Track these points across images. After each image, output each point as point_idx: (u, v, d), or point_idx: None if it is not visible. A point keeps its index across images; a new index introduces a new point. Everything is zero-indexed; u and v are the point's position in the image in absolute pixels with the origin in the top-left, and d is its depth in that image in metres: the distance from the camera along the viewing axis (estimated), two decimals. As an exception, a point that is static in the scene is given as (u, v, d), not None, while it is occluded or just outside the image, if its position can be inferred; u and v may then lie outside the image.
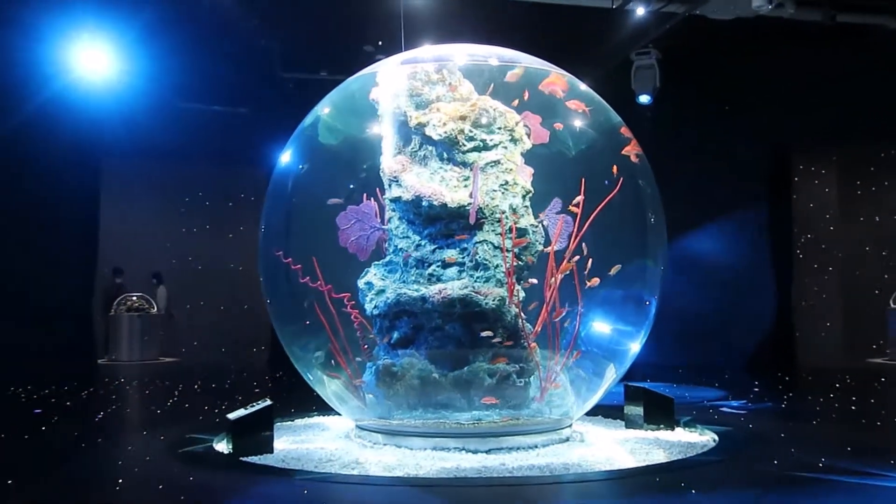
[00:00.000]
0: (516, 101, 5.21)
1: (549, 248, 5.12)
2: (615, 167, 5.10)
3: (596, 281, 5.03)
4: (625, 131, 5.39)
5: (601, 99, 5.51)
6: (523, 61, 5.43)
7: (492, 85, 5.25)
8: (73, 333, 10.25)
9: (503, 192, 5.09)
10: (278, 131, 6.43)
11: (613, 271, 5.05)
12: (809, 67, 10.34)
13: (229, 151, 11.98)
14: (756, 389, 7.89)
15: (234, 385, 8.72)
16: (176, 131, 11.38)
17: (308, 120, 5.65)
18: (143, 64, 9.83)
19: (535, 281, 5.10)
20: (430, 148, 5.17)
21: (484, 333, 4.90)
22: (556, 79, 5.25)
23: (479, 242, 5.03)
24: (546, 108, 5.21)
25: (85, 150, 10.40)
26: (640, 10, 9.22)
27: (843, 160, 11.62)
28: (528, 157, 5.25)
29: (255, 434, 4.87)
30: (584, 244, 5.06)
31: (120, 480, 4.31)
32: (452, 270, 5.05)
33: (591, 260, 5.04)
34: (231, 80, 10.87)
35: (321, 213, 5.28)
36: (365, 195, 5.31)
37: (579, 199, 5.02)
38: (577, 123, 5.25)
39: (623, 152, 5.24)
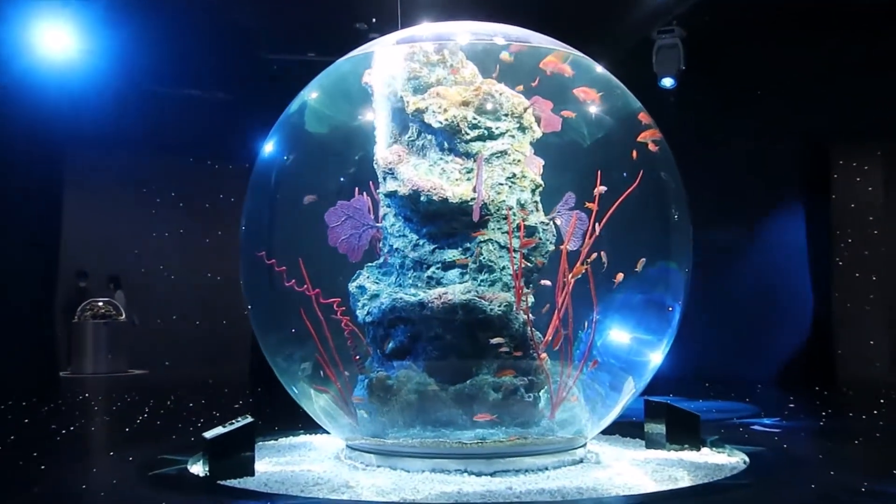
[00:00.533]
0: (520, 87, 5.22)
1: (562, 247, 5.12)
2: (635, 152, 5.10)
3: (621, 276, 5.03)
4: (643, 117, 5.39)
5: (619, 82, 5.51)
6: (533, 40, 5.43)
7: (497, 67, 5.26)
8: (31, 343, 10.22)
9: (510, 186, 5.10)
10: (261, 118, 6.43)
11: (639, 266, 5.05)
12: (854, 51, 10.30)
13: (207, 140, 12.01)
14: (791, 405, 7.89)
15: (211, 400, 8.72)
16: (147, 118, 11.39)
17: (294, 106, 5.65)
18: (111, 43, 9.82)
19: (548, 283, 5.09)
20: (429, 137, 5.18)
21: (494, 341, 4.89)
22: (556, 57, 5.24)
23: (484, 242, 5.03)
24: (558, 93, 5.21)
25: (45, 140, 10.38)
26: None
27: (889, 155, 11.56)
28: (538, 147, 5.26)
29: (235, 455, 4.86)
30: (602, 252, 5.06)
31: (84, 506, 4.31)
32: (454, 273, 5.05)
33: (599, 254, 5.03)
34: (209, 62, 10.87)
35: (308, 210, 5.28)
36: (357, 189, 5.31)
37: (601, 189, 5.01)
38: (593, 110, 5.26)
39: (640, 139, 5.22)
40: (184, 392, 9.29)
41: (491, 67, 5.27)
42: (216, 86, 11.82)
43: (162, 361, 12.79)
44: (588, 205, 5.09)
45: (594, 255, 5.06)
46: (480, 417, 4.88)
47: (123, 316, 12.83)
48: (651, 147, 5.25)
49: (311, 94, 5.64)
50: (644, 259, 5.07)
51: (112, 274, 13.28)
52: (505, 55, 5.25)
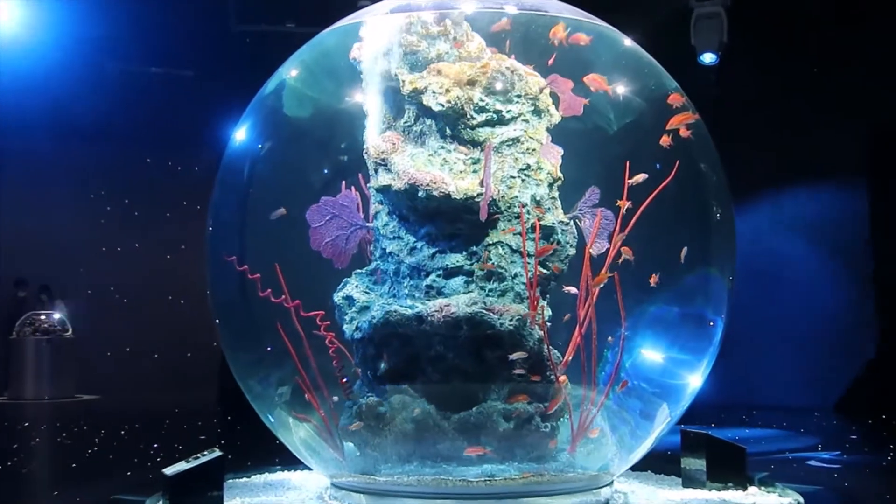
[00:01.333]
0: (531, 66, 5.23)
1: (585, 251, 5.11)
2: (666, 138, 5.09)
3: (655, 279, 5.03)
4: (676, 98, 5.35)
5: (651, 58, 5.51)
6: (550, 8, 5.43)
7: (508, 41, 5.26)
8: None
9: (524, 180, 5.10)
10: (231, 100, 6.44)
11: (683, 255, 5.05)
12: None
13: (169, 126, 12.00)
14: (853, 437, 7.88)
15: (173, 430, 8.72)
16: (100, 101, 11.39)
17: (270, 86, 5.66)
18: (58, 15, 9.82)
19: (573, 289, 5.08)
20: (428, 122, 5.18)
21: (515, 356, 4.87)
22: (561, 27, 5.22)
23: (493, 245, 5.03)
24: (580, 70, 5.21)
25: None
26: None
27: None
28: (557, 133, 5.26)
29: (201, 494, 4.85)
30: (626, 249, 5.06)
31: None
32: (457, 281, 5.05)
33: (621, 251, 5.03)
34: (171, 34, 10.88)
35: (287, 207, 5.28)
36: (344, 183, 5.31)
37: (639, 178, 4.99)
38: (621, 90, 5.26)
39: (670, 125, 5.19)
40: (141, 421, 9.29)
41: (500, 41, 5.27)
42: (181, 63, 11.82)
43: (116, 384, 12.77)
44: (619, 203, 5.07)
45: (621, 258, 5.06)
46: (472, 451, 4.86)
47: (71, 331, 12.83)
48: (683, 133, 5.22)
49: (289, 71, 5.64)
50: (686, 248, 5.06)
51: (43, 283, 13.25)
52: (503, 22, 5.24)
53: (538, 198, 5.12)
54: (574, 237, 5.20)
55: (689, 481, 5.66)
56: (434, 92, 5.08)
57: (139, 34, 10.78)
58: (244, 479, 6.02)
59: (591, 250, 5.10)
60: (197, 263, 5.90)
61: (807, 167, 10.93)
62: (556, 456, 5.07)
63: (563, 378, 5.10)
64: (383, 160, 5.15)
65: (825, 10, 10.52)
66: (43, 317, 12.77)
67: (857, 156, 11.20)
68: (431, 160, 5.12)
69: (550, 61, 5.20)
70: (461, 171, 5.07)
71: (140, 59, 11.57)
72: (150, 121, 11.98)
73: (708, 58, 10.52)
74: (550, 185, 5.18)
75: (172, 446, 7.34)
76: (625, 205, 5.04)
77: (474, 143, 5.10)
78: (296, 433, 5.44)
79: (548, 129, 5.24)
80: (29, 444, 8.22)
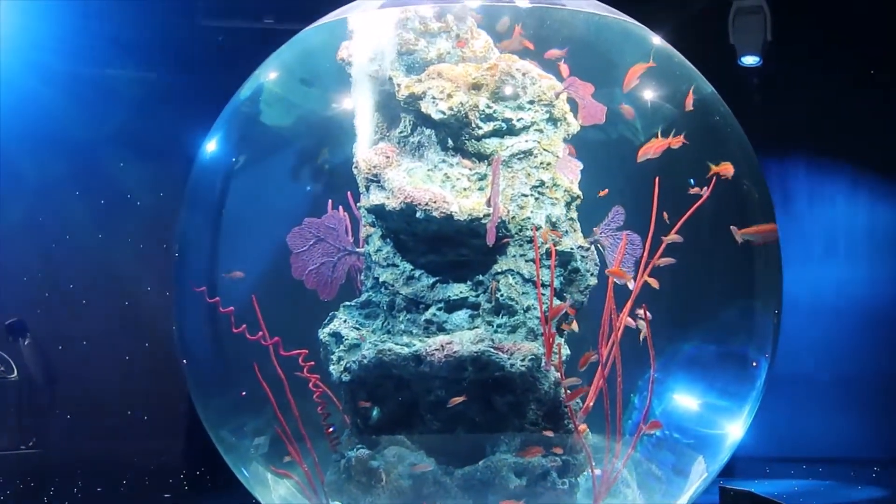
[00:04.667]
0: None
1: (608, 280, 5.12)
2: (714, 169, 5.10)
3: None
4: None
5: (684, 59, 5.53)
6: (567, 2, 5.46)
7: (519, 37, 5.28)
8: None
9: (537, 198, 5.11)
10: (201, 107, 6.45)
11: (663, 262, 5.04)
12: None
13: (129, 135, 12.00)
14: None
15: (132, 488, 8.70)
16: (54, 106, 11.40)
17: (246, 90, 5.68)
18: (6, 8, 9.87)
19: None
20: (427, 132, 5.20)
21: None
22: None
23: (502, 273, 5.03)
24: (601, 73, 5.24)
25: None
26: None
27: None
28: (576, 145, 5.27)
29: (165, 562, 4.86)
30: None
31: None
32: (461, 315, 5.06)
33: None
34: (134, 32, 10.91)
35: (264, 230, 5.29)
36: (330, 203, 5.33)
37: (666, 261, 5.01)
38: (649, 96, 5.27)
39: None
40: (94, 476, 9.26)
41: (510, 38, 5.29)
42: (144, 64, 11.85)
43: (68, 433, 12.73)
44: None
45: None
46: None
47: (15, 374, 12.80)
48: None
49: (268, 74, 5.66)
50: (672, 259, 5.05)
51: (11, 320, 13.21)
52: (502, 24, 5.28)
53: (554, 219, 5.13)
54: (595, 264, 5.22)
55: (730, 546, 5.66)
56: (434, 97, 5.10)
57: (98, 32, 10.80)
58: (215, 545, 6.01)
59: (615, 279, 5.10)
60: (162, 299, 5.91)
61: (865, 181, 10.91)
62: (576, 517, 5.07)
63: (583, 427, 5.09)
64: (375, 176, 5.16)
65: (883, 5, 10.52)
66: (-17, 357, 12.73)
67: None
68: (431, 176, 5.13)
69: (563, 67, 5.21)
70: (465, 189, 5.08)
71: (99, 59, 11.58)
72: (112, 125, 11.97)
73: (750, 60, 10.52)
74: (568, 205, 5.19)
75: (132, 507, 7.32)
76: (652, 226, 5.05)
77: (480, 157, 5.11)
78: (275, 490, 5.44)
79: (565, 140, 5.26)
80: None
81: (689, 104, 5.23)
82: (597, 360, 5.00)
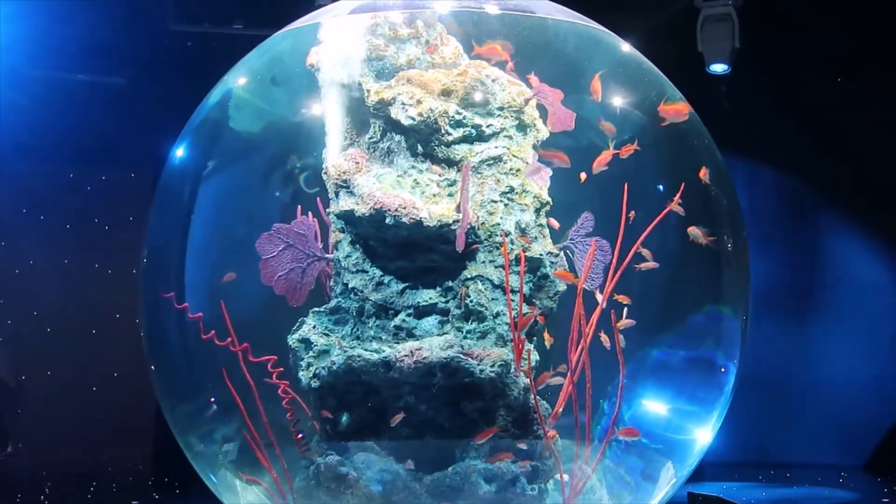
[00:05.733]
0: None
1: (577, 286, 5.13)
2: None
3: (629, 322, 5.04)
4: (671, 110, 5.35)
5: (652, 66, 5.55)
6: (537, 9, 5.47)
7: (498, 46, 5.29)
8: None
9: (507, 204, 5.12)
10: (169, 112, 6.42)
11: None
12: None
13: (96, 141, 11.94)
14: (885, 501, 7.89)
15: (100, 495, 8.65)
16: (15, 111, 11.34)
17: (214, 96, 5.67)
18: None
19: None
20: (397, 138, 5.20)
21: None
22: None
23: (471, 279, 5.03)
24: (570, 79, 5.25)
25: None
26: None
27: None
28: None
29: (132, 569, 4.84)
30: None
31: None
32: (430, 321, 5.06)
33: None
34: (99, 36, 10.86)
35: (233, 235, 5.28)
36: (300, 208, 5.32)
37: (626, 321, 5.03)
38: (618, 102, 5.29)
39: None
40: (62, 483, 9.21)
41: (480, 44, 5.29)
42: (110, 68, 11.79)
43: (35, 437, 12.66)
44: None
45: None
46: None
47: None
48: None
49: (237, 79, 5.65)
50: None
51: None
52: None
53: (523, 225, 5.14)
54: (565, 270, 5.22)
55: (698, 552, 5.68)
56: (403, 103, 5.10)
57: (63, 35, 10.73)
58: (183, 552, 5.99)
59: (583, 285, 5.11)
60: (130, 301, 5.88)
61: (831, 187, 10.93)
62: (546, 523, 5.07)
63: (552, 433, 5.10)
64: (345, 182, 5.16)
65: (852, 12, 10.55)
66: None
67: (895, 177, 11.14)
68: (401, 181, 5.13)
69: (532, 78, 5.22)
70: (435, 195, 5.08)
71: (63, 63, 11.51)
72: (76, 131, 11.90)
73: (718, 67, 10.54)
74: (537, 211, 5.20)
75: (99, 514, 7.28)
76: (621, 232, 5.06)
77: (450, 163, 5.12)
78: (243, 497, 5.42)
79: (534, 147, 5.26)
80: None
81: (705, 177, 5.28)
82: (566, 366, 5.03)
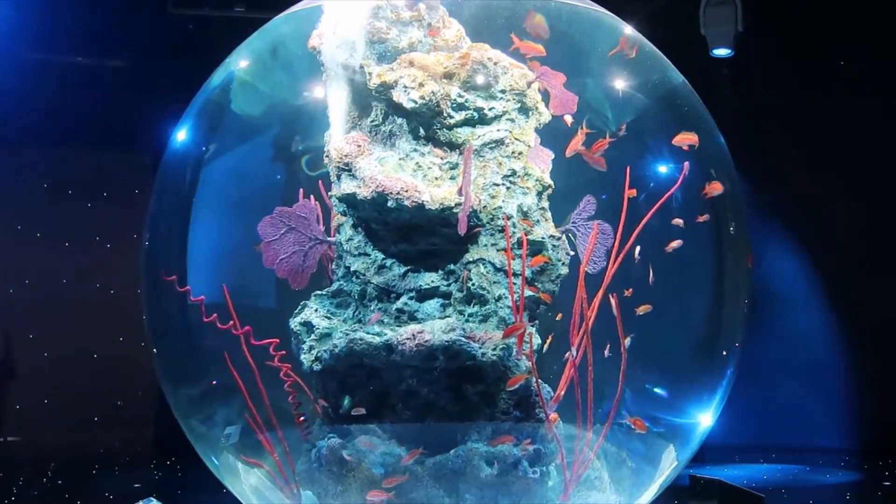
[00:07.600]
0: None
1: (579, 270, 5.13)
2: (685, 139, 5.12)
3: (647, 308, 5.04)
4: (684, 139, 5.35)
5: (655, 49, 5.54)
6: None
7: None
8: None
9: (509, 188, 5.11)
10: (171, 95, 6.42)
11: (642, 310, 5.05)
12: None
13: (97, 125, 11.92)
14: (886, 484, 7.90)
15: (102, 477, 8.66)
16: (17, 95, 11.31)
17: (216, 79, 5.66)
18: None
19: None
20: (399, 121, 5.19)
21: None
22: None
23: (473, 262, 5.03)
24: (573, 62, 5.24)
25: None
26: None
27: None
28: (547, 134, 5.27)
29: (135, 551, 4.85)
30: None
31: None
32: (432, 305, 5.05)
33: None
34: (100, 20, 10.83)
35: (234, 218, 5.28)
36: (301, 192, 5.31)
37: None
38: (620, 85, 5.28)
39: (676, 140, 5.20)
40: (65, 465, 9.22)
41: (483, 28, 5.28)
42: (111, 52, 11.77)
43: (37, 423, 12.67)
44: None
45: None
46: (375, 495, 4.84)
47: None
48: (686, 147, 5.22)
49: (238, 62, 5.64)
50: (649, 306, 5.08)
51: None
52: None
53: (525, 208, 5.13)
54: (567, 253, 5.22)
55: (700, 535, 5.69)
56: (405, 86, 5.09)
57: (62, 19, 10.71)
58: (185, 534, 6.00)
59: (585, 268, 5.11)
60: (132, 285, 5.88)
61: (835, 175, 10.90)
62: (548, 505, 5.08)
63: (554, 416, 5.10)
64: (347, 165, 5.15)
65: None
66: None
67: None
68: (402, 165, 5.12)
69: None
70: (437, 178, 5.08)
71: (64, 47, 11.49)
72: (76, 115, 11.88)
73: (721, 51, 10.51)
74: (539, 194, 5.20)
75: (103, 496, 7.29)
76: (623, 217, 5.06)
77: (452, 146, 5.11)
78: (245, 480, 5.42)
79: (536, 130, 5.25)
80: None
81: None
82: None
